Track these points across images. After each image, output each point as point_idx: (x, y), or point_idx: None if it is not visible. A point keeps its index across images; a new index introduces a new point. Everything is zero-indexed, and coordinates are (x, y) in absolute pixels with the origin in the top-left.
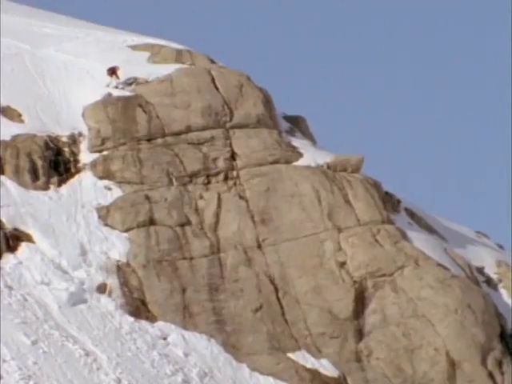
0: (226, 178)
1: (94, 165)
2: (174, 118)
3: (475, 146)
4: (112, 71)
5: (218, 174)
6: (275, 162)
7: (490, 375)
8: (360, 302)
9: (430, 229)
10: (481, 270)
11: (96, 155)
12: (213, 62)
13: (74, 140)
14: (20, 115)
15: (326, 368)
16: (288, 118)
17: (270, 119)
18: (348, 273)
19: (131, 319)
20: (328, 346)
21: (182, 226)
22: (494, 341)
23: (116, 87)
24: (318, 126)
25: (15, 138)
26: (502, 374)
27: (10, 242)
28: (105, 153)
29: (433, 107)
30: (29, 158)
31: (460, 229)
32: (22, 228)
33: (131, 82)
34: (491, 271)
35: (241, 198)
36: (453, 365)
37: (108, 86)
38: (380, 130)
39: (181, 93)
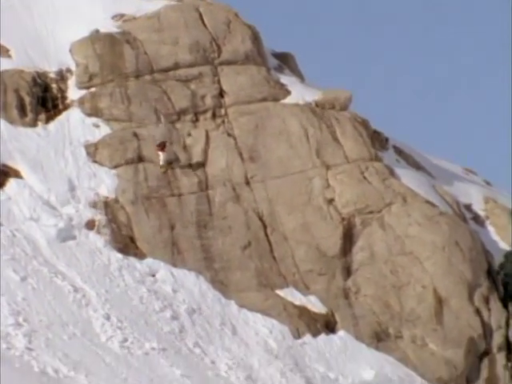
0: (214, 116)
1: (81, 102)
2: (161, 55)
3: (463, 80)
4: (162, 147)
5: (205, 111)
6: (263, 99)
7: (477, 311)
8: (348, 239)
9: (417, 166)
10: (468, 207)
11: (84, 92)
12: None
13: (61, 76)
14: (8, 51)
15: (314, 304)
16: (276, 55)
17: (258, 56)
18: (336, 210)
19: (120, 256)
20: (316, 282)
21: (170, 163)
22: (481, 277)
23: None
24: (306, 62)
25: (3, 73)
26: (489, 310)
27: None
28: (92, 89)
29: (422, 43)
30: (16, 94)
31: (448, 165)
32: (10, 164)
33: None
34: (479, 208)
35: (229, 135)
36: (440, 301)
37: (160, 161)
38: (368, 68)
39: (168, 29)
